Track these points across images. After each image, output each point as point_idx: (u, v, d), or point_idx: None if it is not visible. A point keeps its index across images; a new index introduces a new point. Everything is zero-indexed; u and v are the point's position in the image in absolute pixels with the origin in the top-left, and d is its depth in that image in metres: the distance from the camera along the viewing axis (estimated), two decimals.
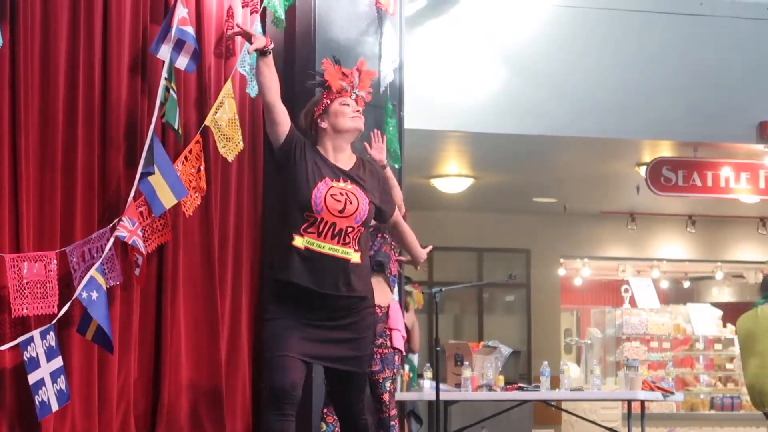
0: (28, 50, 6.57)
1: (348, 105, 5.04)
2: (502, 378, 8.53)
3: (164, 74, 6.69)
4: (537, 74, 10.13)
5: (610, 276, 18.28)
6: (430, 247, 5.43)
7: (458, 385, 8.56)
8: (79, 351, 6.59)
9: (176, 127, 6.75)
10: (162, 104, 6.69)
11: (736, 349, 15.42)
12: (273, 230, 4.86)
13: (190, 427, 6.99)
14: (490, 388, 8.37)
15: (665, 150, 11.26)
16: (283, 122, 4.97)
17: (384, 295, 6.59)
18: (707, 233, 15.88)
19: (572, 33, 10.25)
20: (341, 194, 4.89)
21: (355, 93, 5.09)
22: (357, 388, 5.00)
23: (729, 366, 15.50)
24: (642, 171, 11.62)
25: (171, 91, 6.63)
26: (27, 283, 6.27)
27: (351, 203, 4.89)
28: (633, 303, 15.17)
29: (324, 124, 5.03)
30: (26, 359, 6.18)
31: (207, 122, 6.96)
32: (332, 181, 4.90)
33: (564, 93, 10.15)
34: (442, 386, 7.83)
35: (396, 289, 7.80)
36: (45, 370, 6.21)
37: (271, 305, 4.90)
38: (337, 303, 4.87)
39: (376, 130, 6.42)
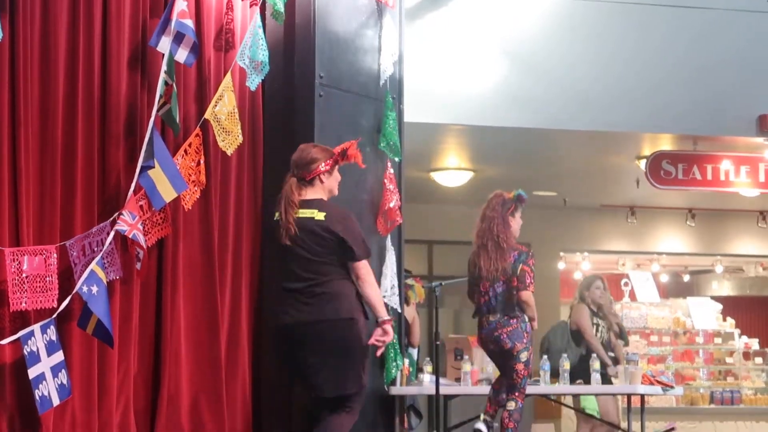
0: (28, 43, 6.54)
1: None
2: None
3: (164, 67, 6.67)
4: (537, 67, 10.11)
5: (609, 270, 18.23)
6: None
7: (458, 380, 8.55)
8: (78, 345, 6.57)
9: (177, 130, 6.79)
10: (161, 97, 6.67)
11: (735, 343, 15.44)
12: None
13: (189, 422, 6.98)
14: (490, 383, 8.35)
15: (665, 143, 11.24)
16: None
17: None
18: (707, 227, 15.85)
19: (572, 26, 10.23)
20: None
21: None
22: None
23: (729, 360, 15.48)
24: (642, 164, 11.60)
25: (172, 96, 6.62)
26: (27, 277, 6.24)
27: None
28: (633, 297, 15.16)
29: (324, 178, 6.03)
30: (26, 353, 6.14)
31: (206, 116, 6.95)
32: None
33: (564, 86, 10.13)
34: (441, 380, 7.81)
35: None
36: (45, 364, 6.18)
37: None
38: None
39: None
